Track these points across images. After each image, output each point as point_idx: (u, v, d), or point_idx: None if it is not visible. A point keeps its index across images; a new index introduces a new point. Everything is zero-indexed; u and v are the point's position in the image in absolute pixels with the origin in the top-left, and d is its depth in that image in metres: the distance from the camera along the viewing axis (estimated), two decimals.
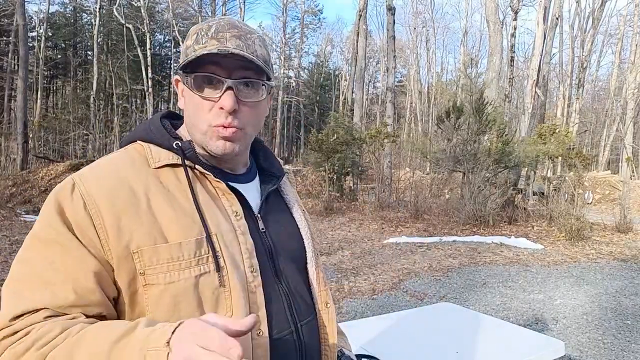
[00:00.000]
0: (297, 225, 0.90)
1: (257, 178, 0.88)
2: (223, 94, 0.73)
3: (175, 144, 0.76)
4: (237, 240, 0.75)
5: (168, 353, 0.51)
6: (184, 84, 0.76)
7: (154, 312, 0.68)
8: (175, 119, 0.87)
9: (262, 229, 0.81)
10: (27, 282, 0.66)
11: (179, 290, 0.68)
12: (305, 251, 0.89)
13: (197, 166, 0.76)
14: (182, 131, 0.82)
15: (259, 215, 0.82)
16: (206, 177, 0.77)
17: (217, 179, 0.77)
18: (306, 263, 0.88)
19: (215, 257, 0.70)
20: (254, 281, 0.74)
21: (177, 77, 0.79)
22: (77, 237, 0.67)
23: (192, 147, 0.77)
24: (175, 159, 0.75)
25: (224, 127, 0.74)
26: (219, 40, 0.72)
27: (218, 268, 0.70)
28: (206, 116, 0.74)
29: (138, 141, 0.79)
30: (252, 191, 0.84)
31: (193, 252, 0.70)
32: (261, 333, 0.73)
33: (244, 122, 0.76)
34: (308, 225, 0.92)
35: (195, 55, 0.71)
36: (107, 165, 0.75)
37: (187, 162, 0.75)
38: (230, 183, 0.79)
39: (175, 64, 29.75)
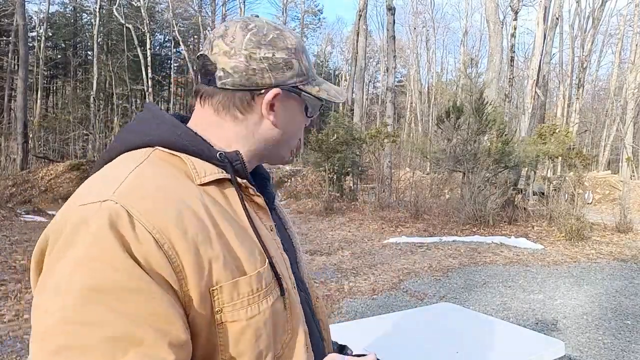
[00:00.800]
0: (283, 224, 0.89)
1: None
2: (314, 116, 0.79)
3: (220, 155, 0.67)
4: (282, 258, 0.72)
5: None
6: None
7: (232, 351, 0.61)
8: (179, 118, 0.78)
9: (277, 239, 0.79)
10: (107, 350, 0.50)
11: (260, 323, 0.63)
12: (295, 250, 0.88)
13: (241, 180, 0.69)
14: (210, 135, 0.72)
15: (275, 224, 0.78)
16: (244, 190, 0.70)
17: (258, 193, 0.71)
18: (297, 261, 0.88)
19: (280, 281, 0.67)
20: (298, 297, 0.72)
21: (279, 91, 0.70)
22: (155, 282, 0.54)
23: (240, 158, 0.69)
24: (220, 172, 0.67)
25: (301, 140, 0.81)
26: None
27: (283, 291, 0.67)
28: (300, 132, 0.79)
29: (159, 148, 0.67)
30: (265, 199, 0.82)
31: (268, 280, 0.65)
32: (308, 348, 0.72)
33: None
34: (289, 220, 0.93)
35: (335, 101, 0.76)
36: (152, 182, 0.61)
37: (236, 177, 0.68)
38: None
39: (175, 64, 29.77)
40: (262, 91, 0.70)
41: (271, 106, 0.71)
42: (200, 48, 0.75)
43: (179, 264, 0.56)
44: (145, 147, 0.67)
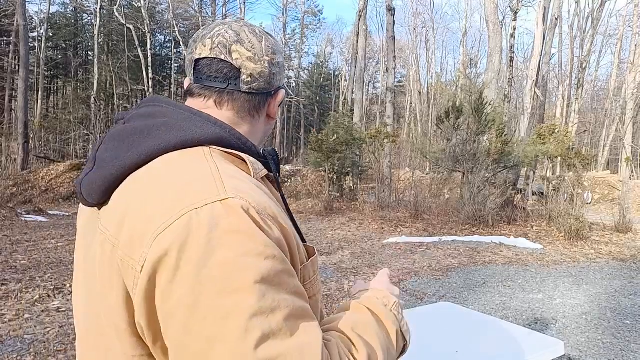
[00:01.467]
0: None
1: None
2: None
3: (263, 151, 0.75)
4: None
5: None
6: (275, 100, 0.80)
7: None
8: None
9: None
10: (291, 326, 0.56)
11: (319, 296, 0.72)
12: None
13: (272, 175, 0.75)
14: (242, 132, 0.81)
15: None
16: (272, 185, 0.76)
17: (278, 189, 0.77)
18: None
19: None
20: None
21: (284, 90, 0.82)
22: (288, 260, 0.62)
23: (276, 154, 0.77)
24: (265, 169, 0.73)
25: None
26: None
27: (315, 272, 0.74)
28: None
29: (213, 146, 0.68)
30: None
31: (316, 266, 0.73)
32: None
33: None
34: None
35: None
36: (239, 180, 0.63)
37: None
38: None
39: (176, 65, 29.77)
40: (272, 92, 0.78)
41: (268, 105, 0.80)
42: (196, 50, 0.73)
43: (289, 247, 0.63)
44: (195, 145, 0.66)
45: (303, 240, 0.73)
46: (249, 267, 0.54)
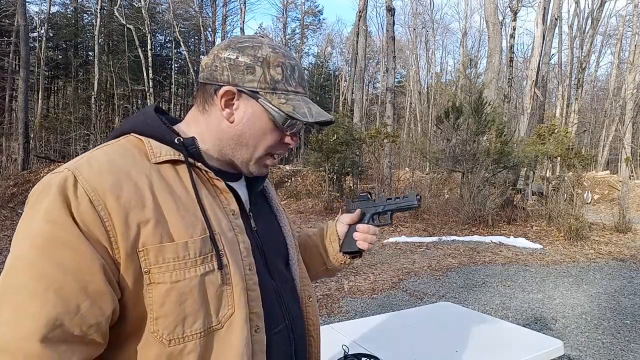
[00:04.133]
0: (279, 222, 0.94)
1: (243, 176, 0.88)
2: (296, 135, 0.83)
3: (177, 140, 0.75)
4: (236, 239, 0.76)
5: None
6: (256, 106, 0.78)
7: (158, 311, 0.67)
8: (161, 113, 0.84)
9: (254, 227, 0.84)
10: (34, 286, 0.61)
11: (185, 288, 0.68)
12: (288, 248, 0.92)
13: (198, 163, 0.76)
14: (183, 128, 0.82)
15: (250, 213, 0.85)
16: (205, 175, 0.77)
17: (217, 177, 0.77)
18: (289, 259, 0.92)
19: (219, 256, 0.71)
20: (252, 279, 0.75)
21: (231, 88, 0.76)
22: (85, 236, 0.63)
23: (195, 144, 0.77)
24: (176, 155, 0.74)
25: (278, 156, 0.84)
26: (304, 89, 0.82)
27: (221, 266, 0.71)
28: (269, 144, 0.81)
29: (132, 134, 0.76)
30: (241, 189, 0.85)
31: (199, 250, 0.70)
32: (259, 329, 0.75)
33: None
34: (289, 222, 0.96)
35: (314, 121, 0.78)
36: (105, 157, 0.70)
37: (189, 159, 0.75)
38: (227, 182, 0.81)
39: (176, 65, 29.76)
40: (221, 87, 0.77)
41: (227, 103, 0.78)
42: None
43: (110, 223, 0.65)
44: (122, 134, 0.77)
45: (210, 231, 0.71)
46: (37, 223, 0.63)
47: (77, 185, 0.65)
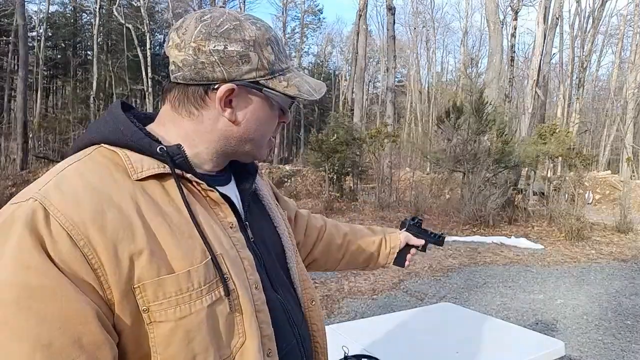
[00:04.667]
0: (273, 223, 0.86)
1: (232, 178, 0.79)
2: (289, 111, 0.77)
3: (159, 149, 0.64)
4: (239, 256, 0.68)
5: None
6: (256, 97, 0.69)
7: (163, 353, 0.58)
8: (126, 110, 0.72)
9: (251, 237, 0.75)
10: (22, 356, 0.49)
11: (192, 325, 0.59)
12: (285, 251, 0.85)
13: (187, 175, 0.66)
14: (159, 131, 0.70)
15: (246, 223, 0.75)
16: (196, 187, 0.67)
17: (211, 188, 0.68)
18: (287, 263, 0.85)
19: (224, 281, 0.63)
20: (259, 298, 0.68)
21: (231, 86, 0.66)
22: (69, 279, 0.53)
23: (182, 152, 0.66)
24: (161, 167, 0.64)
25: (276, 136, 0.78)
26: (291, 60, 0.76)
27: (228, 292, 0.63)
28: (272, 130, 0.75)
29: (103, 145, 0.64)
30: (233, 193, 0.76)
31: (203, 278, 0.61)
32: (271, 352, 0.68)
33: None
34: (284, 220, 0.89)
35: (308, 99, 0.71)
36: (78, 179, 0.59)
37: (177, 171, 0.64)
38: (219, 188, 0.71)
39: None
40: (216, 86, 0.66)
41: (227, 102, 0.68)
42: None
43: (97, 260, 0.55)
44: (91, 145, 0.66)
45: (212, 254, 0.63)
46: (2, 272, 0.51)
47: (50, 218, 0.54)
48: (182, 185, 0.64)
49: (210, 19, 0.66)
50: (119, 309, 0.56)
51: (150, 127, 0.70)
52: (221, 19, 0.67)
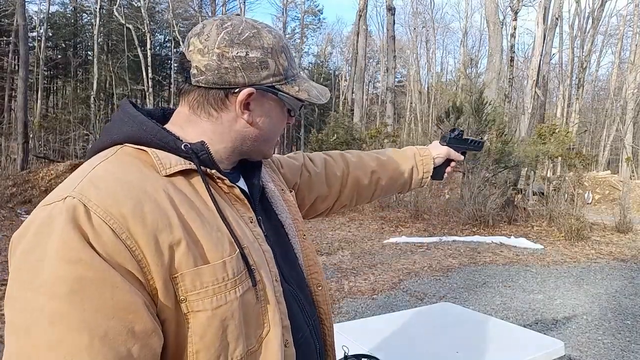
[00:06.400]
0: (275, 210, 0.87)
1: (241, 174, 0.83)
2: (297, 114, 0.81)
3: (184, 146, 0.67)
4: (262, 249, 0.71)
5: None
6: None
7: (199, 343, 0.60)
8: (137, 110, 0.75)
9: (265, 231, 0.77)
10: (82, 347, 0.51)
11: (227, 313, 0.62)
12: (289, 236, 0.86)
13: (211, 171, 0.69)
14: (176, 130, 0.73)
15: (259, 218, 0.78)
16: (218, 182, 0.70)
17: (232, 184, 0.71)
18: (293, 249, 0.86)
19: (251, 272, 0.66)
20: (279, 290, 0.71)
21: (251, 90, 0.70)
22: (117, 271, 0.55)
23: (205, 148, 0.69)
24: (187, 163, 0.67)
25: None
26: (298, 67, 0.80)
27: (255, 283, 0.66)
28: (280, 130, 0.80)
29: (127, 144, 0.67)
30: (244, 188, 0.80)
31: (236, 269, 0.64)
32: (288, 343, 0.71)
33: None
34: (288, 205, 0.89)
35: (317, 102, 0.77)
36: (111, 175, 0.61)
37: (202, 167, 0.68)
38: (238, 185, 0.75)
39: (175, 64, 29.75)
40: (236, 90, 0.70)
41: (246, 105, 0.71)
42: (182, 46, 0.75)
43: (139, 252, 0.57)
44: (113, 145, 0.68)
45: (240, 247, 0.65)
46: (53, 269, 0.53)
47: (90, 213, 0.56)
48: (207, 181, 0.68)
49: (232, 26, 0.70)
50: (161, 299, 0.58)
51: (168, 126, 0.73)
52: (241, 27, 0.71)
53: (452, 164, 1.28)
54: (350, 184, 1.15)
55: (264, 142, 0.77)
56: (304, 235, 0.90)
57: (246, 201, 0.73)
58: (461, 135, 1.27)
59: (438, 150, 1.27)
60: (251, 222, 0.73)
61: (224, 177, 0.70)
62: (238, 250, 0.65)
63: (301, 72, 0.80)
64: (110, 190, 0.59)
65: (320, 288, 0.88)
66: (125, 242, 0.56)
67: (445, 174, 1.29)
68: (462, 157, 1.29)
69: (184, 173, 0.67)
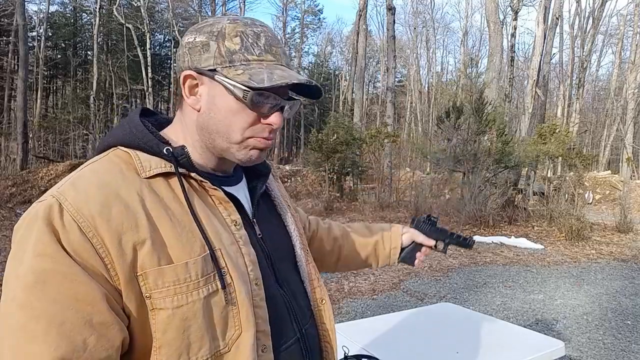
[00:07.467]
0: (284, 222, 0.88)
1: (244, 177, 0.83)
2: (274, 112, 0.71)
3: (166, 150, 0.69)
4: (241, 252, 0.71)
5: None
6: (218, 86, 0.69)
7: (161, 339, 0.63)
8: (148, 115, 0.79)
9: (259, 234, 0.78)
10: (38, 334, 0.55)
11: (188, 313, 0.63)
12: (294, 249, 0.86)
13: (192, 174, 0.70)
14: (170, 133, 0.75)
15: (254, 220, 0.79)
16: (201, 185, 0.71)
17: (215, 187, 0.71)
18: (297, 261, 0.86)
19: (221, 274, 0.66)
20: (258, 294, 0.71)
21: (189, 72, 0.70)
22: (80, 267, 0.59)
23: (185, 152, 0.70)
24: (167, 166, 0.68)
25: (265, 139, 0.73)
26: (275, 56, 0.71)
27: (224, 285, 0.66)
28: (243, 126, 0.70)
29: (119, 147, 0.70)
30: (242, 194, 0.80)
31: (201, 271, 0.65)
32: (266, 349, 0.70)
33: (275, 135, 0.76)
34: (295, 220, 0.90)
35: (270, 85, 0.66)
36: (91, 177, 0.65)
37: (180, 170, 0.69)
38: (226, 188, 0.75)
39: (175, 64, 29.77)
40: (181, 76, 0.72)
41: (190, 89, 0.71)
42: None
43: (104, 250, 0.60)
44: (108, 148, 0.72)
45: (210, 249, 0.66)
46: (28, 262, 0.58)
47: (63, 212, 0.60)
48: (185, 183, 0.69)
49: (209, 21, 0.73)
50: (126, 294, 0.61)
51: (165, 131, 0.76)
52: (211, 19, 0.72)
53: (424, 249, 1.23)
54: (315, 245, 1.15)
55: (218, 134, 0.71)
56: (308, 250, 0.90)
57: (231, 204, 0.73)
58: (434, 222, 1.25)
59: (408, 230, 1.24)
60: (235, 225, 0.72)
61: (205, 180, 0.71)
62: (208, 252, 0.66)
63: (275, 63, 0.71)
64: (85, 192, 0.63)
65: (323, 303, 0.87)
66: (92, 240, 0.60)
67: (417, 260, 1.21)
68: (431, 242, 1.23)
69: (165, 175, 0.69)
